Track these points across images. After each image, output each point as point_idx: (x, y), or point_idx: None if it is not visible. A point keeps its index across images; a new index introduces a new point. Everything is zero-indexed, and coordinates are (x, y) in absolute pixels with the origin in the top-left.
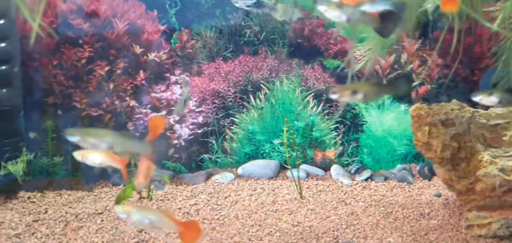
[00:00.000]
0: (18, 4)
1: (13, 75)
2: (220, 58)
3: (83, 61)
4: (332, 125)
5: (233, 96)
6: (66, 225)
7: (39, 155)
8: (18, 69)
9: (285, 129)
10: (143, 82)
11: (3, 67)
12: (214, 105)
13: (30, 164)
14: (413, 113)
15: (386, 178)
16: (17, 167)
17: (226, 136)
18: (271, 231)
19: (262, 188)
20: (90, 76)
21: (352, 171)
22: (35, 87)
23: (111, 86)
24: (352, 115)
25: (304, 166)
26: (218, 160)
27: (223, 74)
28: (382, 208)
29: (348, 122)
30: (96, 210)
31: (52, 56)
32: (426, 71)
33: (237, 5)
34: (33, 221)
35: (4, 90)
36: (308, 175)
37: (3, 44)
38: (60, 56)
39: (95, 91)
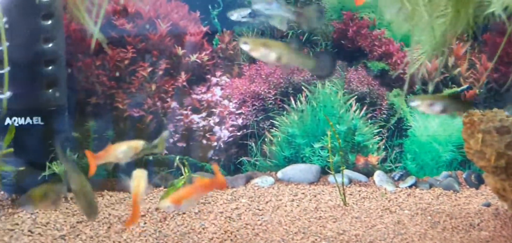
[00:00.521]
0: (77, 13)
1: (59, 75)
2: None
3: (126, 62)
4: (375, 129)
5: (273, 98)
6: (109, 227)
7: (81, 155)
8: (63, 69)
9: (329, 133)
10: (185, 83)
11: (50, 68)
12: (254, 107)
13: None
14: (466, 119)
15: (431, 186)
16: (61, 168)
17: (266, 139)
18: (316, 240)
19: (303, 193)
20: (133, 77)
21: (396, 178)
22: (78, 87)
23: (153, 87)
24: (396, 119)
25: (346, 172)
26: (257, 163)
27: (263, 76)
28: (429, 217)
29: (391, 127)
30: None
31: (95, 56)
32: (475, 75)
33: (232, 18)
34: (77, 222)
35: (50, 90)
36: (350, 181)
37: (50, 45)
38: (103, 56)
39: (137, 92)
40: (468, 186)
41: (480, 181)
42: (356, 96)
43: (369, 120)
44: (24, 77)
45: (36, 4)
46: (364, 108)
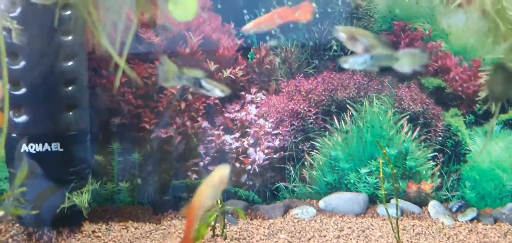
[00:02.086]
0: (103, 42)
1: (80, 96)
2: (301, 75)
3: (154, 78)
4: (429, 153)
5: (314, 117)
6: None
7: (104, 180)
8: (85, 89)
9: (380, 160)
10: (217, 101)
11: (70, 88)
12: (292, 127)
13: (95, 190)
14: None
15: (496, 220)
16: (82, 198)
17: (305, 163)
18: None
19: (350, 227)
20: (161, 95)
21: (454, 209)
22: (101, 106)
23: (183, 105)
24: (453, 142)
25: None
26: (295, 189)
27: (303, 93)
28: None
29: (448, 151)
30: None
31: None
32: None
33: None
34: None
35: (70, 113)
36: (402, 212)
37: (70, 63)
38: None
39: (165, 111)
40: None
41: None
42: (408, 116)
43: (423, 143)
44: (42, 99)
45: (59, 20)
46: (417, 130)
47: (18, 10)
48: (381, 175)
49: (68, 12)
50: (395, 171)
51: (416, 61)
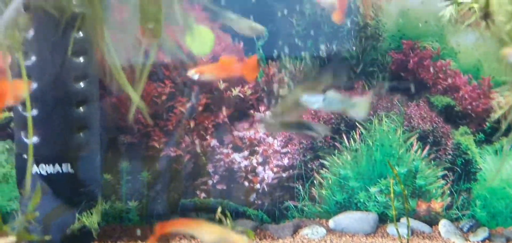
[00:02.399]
0: (123, 82)
1: (91, 117)
2: (342, 89)
3: (164, 97)
4: (439, 172)
5: (323, 136)
6: None
7: (113, 199)
8: (96, 110)
9: (391, 180)
10: (226, 119)
11: (81, 109)
12: (301, 146)
13: (104, 210)
14: None
15: (508, 240)
16: (91, 219)
17: (314, 181)
18: None
19: None
20: (170, 114)
21: (465, 229)
22: (111, 125)
23: (192, 124)
24: (463, 161)
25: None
26: (305, 208)
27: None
28: None
29: (458, 169)
30: None
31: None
32: None
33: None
34: None
35: (81, 134)
36: (412, 231)
37: (81, 84)
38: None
39: (174, 130)
40: None
41: None
42: (417, 135)
43: (432, 162)
44: (53, 120)
45: (67, 39)
46: (427, 148)
47: (31, 32)
48: (392, 194)
49: (80, 34)
50: (406, 191)
51: (367, 110)
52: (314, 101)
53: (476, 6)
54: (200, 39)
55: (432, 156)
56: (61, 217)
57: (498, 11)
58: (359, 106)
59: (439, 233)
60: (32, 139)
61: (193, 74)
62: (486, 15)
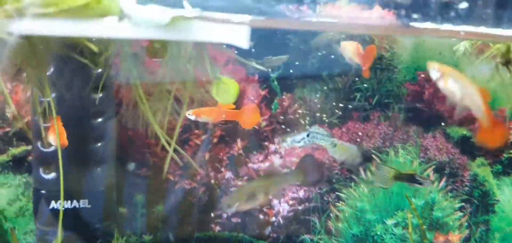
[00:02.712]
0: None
1: (108, 152)
2: (326, 125)
3: (179, 130)
4: (456, 203)
5: (339, 167)
6: None
7: (128, 233)
8: (113, 145)
9: (409, 216)
10: (240, 151)
11: (99, 144)
12: None
13: None
14: None
15: None
16: None
17: (331, 214)
18: None
19: None
20: (186, 146)
21: None
22: (127, 159)
23: (207, 156)
24: (480, 192)
25: None
26: (320, 241)
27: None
28: None
29: (476, 201)
30: None
31: (146, 125)
32: None
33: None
34: None
35: (98, 169)
36: None
37: (99, 120)
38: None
39: (189, 162)
40: None
41: None
42: (433, 166)
43: (449, 193)
44: (71, 156)
45: (87, 74)
46: (443, 180)
47: (52, 69)
48: (410, 228)
49: (99, 70)
50: (415, 220)
51: (349, 156)
52: (299, 139)
53: (495, 52)
54: (225, 89)
55: (449, 187)
56: None
57: None
58: (339, 149)
59: None
60: (59, 175)
61: (189, 114)
62: (508, 61)
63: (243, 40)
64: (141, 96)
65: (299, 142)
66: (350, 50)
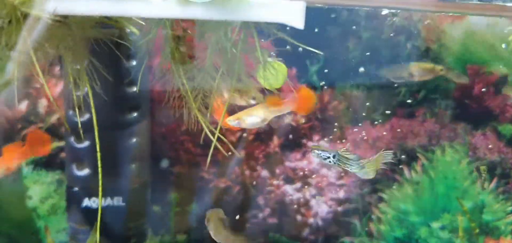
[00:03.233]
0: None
1: (143, 149)
2: (367, 122)
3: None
4: (509, 206)
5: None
6: None
7: (161, 232)
8: (147, 141)
9: (459, 216)
10: (277, 149)
11: (133, 140)
12: (358, 178)
13: None
14: None
15: None
16: None
17: (372, 216)
18: None
19: None
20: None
21: None
22: (161, 155)
23: (242, 154)
24: None
25: None
26: None
27: (370, 141)
28: None
29: None
30: None
31: (180, 121)
32: None
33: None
34: None
35: (133, 166)
36: None
37: (134, 114)
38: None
39: (224, 160)
40: None
41: None
42: (484, 166)
43: (501, 195)
44: (105, 152)
45: (123, 71)
46: (495, 180)
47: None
48: (460, 233)
49: (133, 63)
50: (463, 223)
51: (379, 165)
52: (325, 156)
53: None
54: (274, 73)
55: (501, 189)
56: None
57: None
58: (368, 167)
59: None
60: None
61: (231, 121)
62: None
63: (298, 20)
64: (184, 83)
65: (325, 159)
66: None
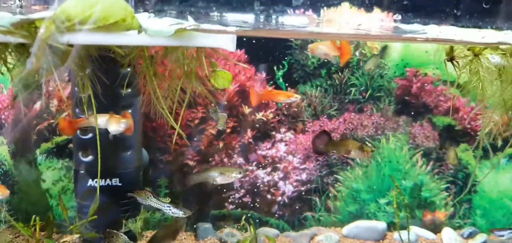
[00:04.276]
0: (162, 110)
1: (135, 139)
2: (325, 116)
3: (196, 121)
4: (442, 185)
5: (337, 153)
6: None
7: (153, 210)
8: (140, 133)
9: (394, 193)
10: (250, 140)
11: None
12: (318, 163)
13: (146, 218)
14: None
15: None
16: (136, 225)
17: (330, 194)
18: None
19: None
20: (202, 135)
21: (465, 235)
22: (151, 146)
23: (221, 144)
24: (464, 175)
25: (413, 228)
26: (321, 218)
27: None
28: None
29: (459, 182)
30: None
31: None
32: None
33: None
34: None
35: (128, 153)
36: (417, 238)
37: (129, 110)
38: (175, 117)
39: (205, 150)
40: None
41: None
42: (421, 152)
43: (436, 176)
44: (105, 142)
45: (118, 73)
46: (431, 164)
47: (88, 70)
48: (395, 205)
49: (128, 69)
50: (408, 199)
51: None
52: None
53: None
54: (221, 78)
55: (436, 171)
56: (111, 223)
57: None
58: None
59: (441, 239)
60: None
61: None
62: (452, 58)
63: (230, 45)
64: (155, 90)
65: None
66: (323, 49)
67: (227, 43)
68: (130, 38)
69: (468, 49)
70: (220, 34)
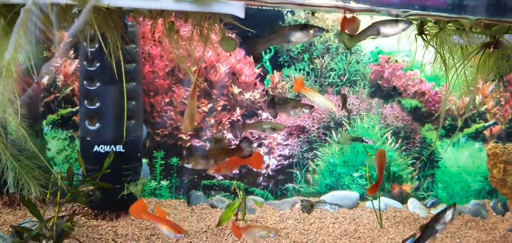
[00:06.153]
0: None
1: (137, 110)
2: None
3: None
4: (409, 160)
5: (316, 131)
6: (177, 240)
7: (149, 179)
8: (141, 105)
9: (367, 163)
10: (239, 117)
11: (132, 103)
12: (299, 139)
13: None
14: (489, 152)
15: (460, 212)
16: (136, 188)
17: (309, 168)
18: None
19: (343, 217)
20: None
21: (428, 205)
22: (150, 120)
23: (212, 121)
24: (428, 151)
25: (383, 198)
26: (301, 189)
27: (308, 112)
28: (458, 240)
29: (424, 159)
30: (201, 228)
31: (164, 94)
32: (500, 111)
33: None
34: (151, 235)
35: (132, 122)
36: (386, 207)
37: (133, 84)
38: (171, 94)
39: (198, 125)
40: (495, 214)
41: (506, 209)
42: (391, 130)
43: (404, 152)
44: (111, 112)
45: (123, 51)
46: (399, 141)
47: (96, 45)
48: (367, 175)
49: (133, 46)
50: (375, 174)
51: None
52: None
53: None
54: (228, 43)
55: (404, 148)
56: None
57: None
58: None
59: (407, 208)
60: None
61: None
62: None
63: (240, 12)
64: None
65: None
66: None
67: (238, 10)
68: (159, 3)
69: (434, 23)
70: (232, 1)
